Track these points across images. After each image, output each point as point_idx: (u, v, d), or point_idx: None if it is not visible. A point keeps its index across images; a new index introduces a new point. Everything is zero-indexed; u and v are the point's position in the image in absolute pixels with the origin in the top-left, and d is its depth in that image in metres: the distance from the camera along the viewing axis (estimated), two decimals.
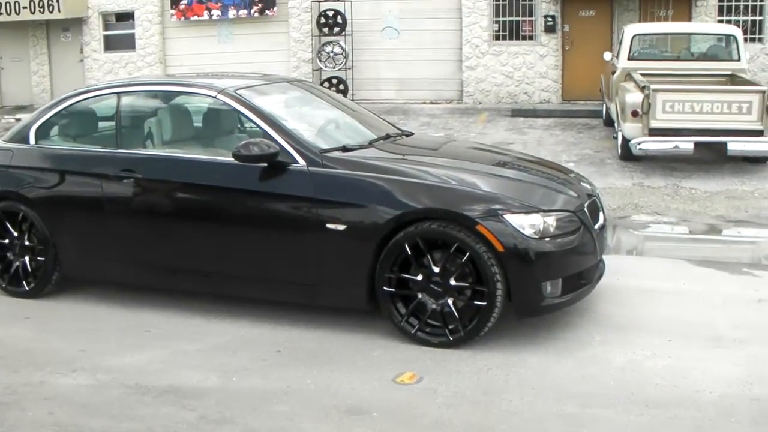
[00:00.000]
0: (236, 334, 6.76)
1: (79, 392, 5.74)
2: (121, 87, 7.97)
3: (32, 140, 7.93)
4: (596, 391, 5.53)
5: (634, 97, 13.51)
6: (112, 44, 25.27)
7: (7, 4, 24.51)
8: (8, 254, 7.87)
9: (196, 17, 23.73)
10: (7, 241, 7.84)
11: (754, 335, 6.47)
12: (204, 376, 5.93)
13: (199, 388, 5.73)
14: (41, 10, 24.43)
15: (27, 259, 7.78)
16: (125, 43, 25.01)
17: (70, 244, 7.60)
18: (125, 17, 25.05)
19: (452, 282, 6.23)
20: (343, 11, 22.11)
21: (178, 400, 5.54)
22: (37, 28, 25.72)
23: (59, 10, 24.25)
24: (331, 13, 22.18)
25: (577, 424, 5.10)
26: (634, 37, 16.22)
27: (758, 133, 12.98)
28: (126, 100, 7.75)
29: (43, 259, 7.69)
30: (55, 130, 8.03)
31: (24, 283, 7.81)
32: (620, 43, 16.80)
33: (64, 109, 7.98)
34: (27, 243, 7.77)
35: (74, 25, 25.30)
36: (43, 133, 7.95)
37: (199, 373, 5.98)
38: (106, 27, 25.28)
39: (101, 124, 8.00)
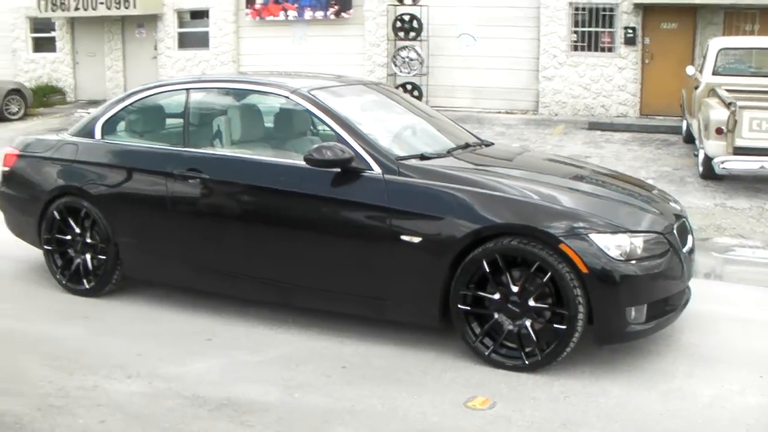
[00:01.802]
0: (300, 346, 6.48)
1: (132, 400, 5.50)
2: (190, 83, 7.75)
3: (98, 135, 7.75)
4: (683, 429, 5.14)
5: (718, 114, 13.03)
6: (185, 42, 25.34)
7: (85, 0, 24.66)
8: (69, 251, 7.73)
9: (271, 17, 23.62)
10: (69, 237, 7.69)
11: None
12: (264, 389, 5.66)
13: (258, 402, 5.45)
14: (117, 6, 24.60)
15: (88, 256, 7.62)
16: (199, 41, 25.04)
17: (133, 244, 7.41)
18: (200, 15, 25.10)
19: (531, 303, 5.89)
20: (419, 16, 21.80)
21: (236, 415, 5.26)
22: (112, 24, 25.87)
23: (135, 6, 24.41)
24: (407, 18, 21.89)
25: None
26: (719, 51, 15.73)
27: None
28: (195, 97, 7.52)
29: (104, 257, 7.51)
30: (121, 125, 7.85)
31: (84, 281, 7.65)
32: (704, 57, 16.30)
33: (131, 104, 7.80)
34: (89, 240, 7.60)
35: (149, 21, 25.41)
36: (109, 127, 7.77)
37: (259, 387, 5.71)
38: (181, 24, 25.36)
39: (169, 121, 7.80)
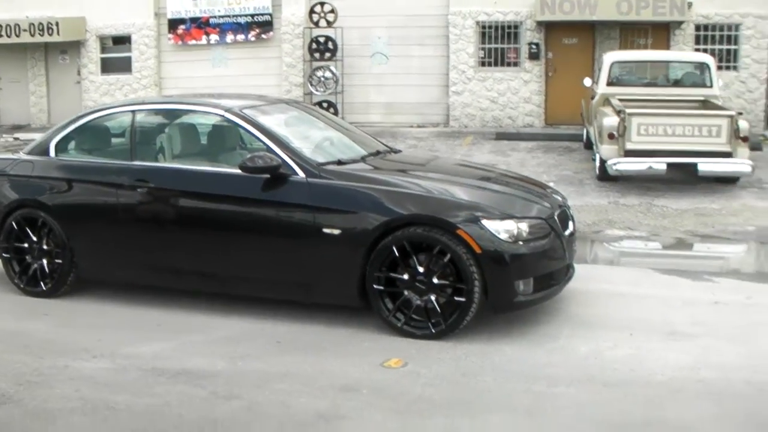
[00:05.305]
0: (240, 328, 7.48)
1: (100, 374, 6.45)
2: (135, 105, 8.74)
3: (52, 153, 8.64)
4: (561, 374, 6.26)
5: (610, 121, 14.31)
6: (108, 67, 25.86)
7: (8, 27, 25.16)
8: (27, 257, 8.55)
9: (194, 41, 24.45)
10: (26, 245, 8.51)
11: (706, 331, 7.22)
12: (212, 361, 6.64)
13: (208, 370, 6.44)
14: (41, 33, 25.06)
15: (45, 261, 8.45)
16: (121, 65, 25.58)
17: (86, 248, 8.30)
18: (122, 41, 25.66)
19: (435, 280, 6.97)
20: (334, 37, 22.81)
21: (190, 380, 6.25)
22: (36, 51, 26.33)
23: (58, 34, 24.89)
24: (322, 39, 22.86)
25: (542, 399, 5.84)
26: (613, 64, 17.01)
27: (727, 155, 13.86)
28: (140, 117, 8.49)
29: (60, 261, 8.37)
30: (73, 144, 8.73)
31: (41, 283, 8.49)
32: (599, 70, 17.60)
33: (82, 125, 8.71)
34: (45, 247, 8.44)
35: (72, 48, 25.92)
36: (62, 146, 8.66)
37: (208, 359, 6.69)
38: (103, 50, 25.89)
39: (117, 139, 8.74)
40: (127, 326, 7.63)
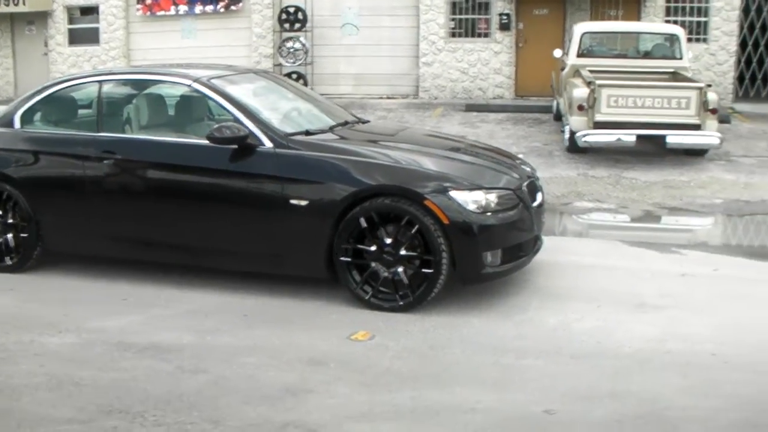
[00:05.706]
0: (207, 302, 7.42)
1: (66, 349, 6.37)
2: (102, 75, 8.62)
3: (17, 124, 8.49)
4: (529, 346, 6.26)
5: (580, 92, 14.28)
6: (76, 38, 25.55)
7: None
8: None
9: (162, 12, 24.16)
10: None
11: (674, 302, 7.23)
12: (179, 335, 6.59)
13: (175, 344, 6.38)
14: (6, 3, 24.66)
15: (10, 236, 8.33)
16: (89, 36, 25.26)
17: (53, 221, 8.18)
18: (90, 11, 25.32)
19: (402, 252, 6.94)
20: (304, 8, 22.64)
21: (157, 354, 6.19)
22: (1, 22, 25.96)
23: (24, 4, 24.50)
24: (292, 10, 22.70)
25: (510, 371, 5.84)
26: (583, 35, 16.99)
27: (695, 127, 13.87)
28: (107, 88, 8.36)
29: (25, 235, 8.24)
30: (38, 115, 8.59)
31: (7, 258, 8.37)
32: (570, 41, 17.59)
33: (48, 95, 8.56)
34: (10, 221, 8.31)
35: (39, 18, 25.59)
36: (27, 117, 8.51)
37: (175, 333, 6.64)
38: (71, 21, 25.58)
39: (83, 110, 8.60)
40: (94, 301, 7.56)
